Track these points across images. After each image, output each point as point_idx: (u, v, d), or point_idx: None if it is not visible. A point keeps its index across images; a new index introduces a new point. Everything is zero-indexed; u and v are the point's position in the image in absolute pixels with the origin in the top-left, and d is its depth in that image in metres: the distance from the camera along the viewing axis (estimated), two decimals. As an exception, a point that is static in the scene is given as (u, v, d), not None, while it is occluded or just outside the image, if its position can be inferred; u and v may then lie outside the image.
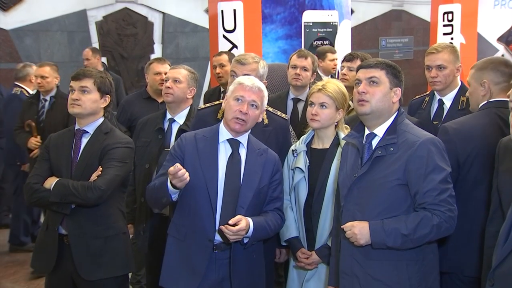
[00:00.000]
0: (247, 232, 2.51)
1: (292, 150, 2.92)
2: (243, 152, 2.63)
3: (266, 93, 2.68)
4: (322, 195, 2.77)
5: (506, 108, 2.58)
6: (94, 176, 2.75)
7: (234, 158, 2.60)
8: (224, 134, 2.63)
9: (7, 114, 5.32)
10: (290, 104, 3.93)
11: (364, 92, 2.34)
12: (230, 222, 2.45)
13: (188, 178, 2.42)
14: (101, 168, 2.77)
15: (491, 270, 2.01)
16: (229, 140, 2.62)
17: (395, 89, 2.37)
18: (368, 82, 2.36)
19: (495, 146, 2.51)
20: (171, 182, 2.45)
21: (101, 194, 2.71)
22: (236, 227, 2.45)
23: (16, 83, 5.43)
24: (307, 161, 2.82)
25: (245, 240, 2.55)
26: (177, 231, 2.64)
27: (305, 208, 2.81)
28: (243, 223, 2.47)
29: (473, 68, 2.83)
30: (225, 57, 4.49)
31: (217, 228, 2.55)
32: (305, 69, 3.89)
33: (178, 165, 2.41)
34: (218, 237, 2.57)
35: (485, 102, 2.73)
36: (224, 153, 2.61)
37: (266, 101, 2.70)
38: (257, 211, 2.64)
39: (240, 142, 2.63)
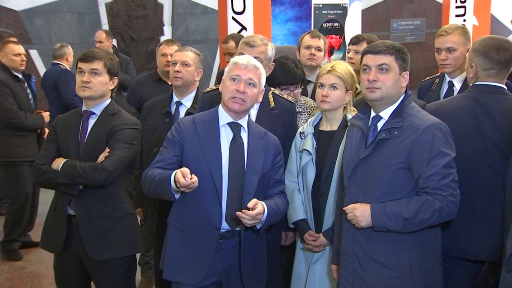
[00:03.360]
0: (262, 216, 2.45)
1: (300, 132, 2.91)
2: (244, 136, 2.57)
3: (263, 71, 2.61)
4: (330, 177, 2.76)
5: (488, 93, 2.60)
6: (101, 157, 2.76)
7: (236, 142, 2.53)
8: (224, 117, 2.56)
9: (65, 88, 5.63)
10: None
11: (375, 80, 2.31)
12: (249, 205, 2.37)
13: (197, 184, 2.31)
14: (108, 149, 2.77)
15: (507, 256, 1.98)
16: (229, 124, 2.55)
17: (403, 73, 2.35)
18: (378, 69, 2.32)
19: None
20: (175, 183, 2.35)
21: (109, 175, 2.71)
22: (255, 211, 2.36)
23: (55, 61, 5.81)
24: (315, 143, 2.82)
25: (259, 226, 2.50)
26: (179, 220, 2.57)
27: (313, 190, 2.80)
28: (260, 206, 2.40)
29: (472, 46, 2.78)
30: (232, 44, 4.44)
31: (223, 215, 2.49)
32: (319, 49, 3.91)
33: (188, 173, 2.29)
34: (224, 225, 2.51)
35: (471, 84, 2.70)
36: (225, 137, 2.54)
37: (264, 80, 2.61)
38: (262, 196, 2.58)
39: (241, 125, 2.57)
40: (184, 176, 2.27)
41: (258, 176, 2.52)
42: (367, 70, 2.35)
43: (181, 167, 2.47)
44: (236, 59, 2.60)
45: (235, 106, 2.50)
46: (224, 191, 2.49)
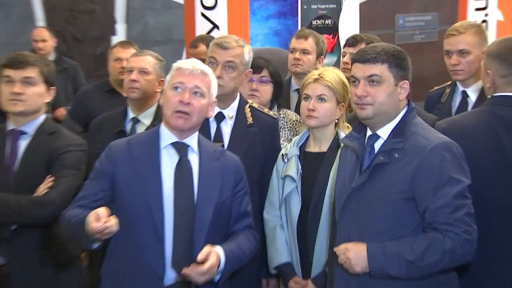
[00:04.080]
0: (218, 267, 2.40)
1: (282, 154, 2.97)
2: (194, 158, 2.55)
3: (213, 78, 2.60)
4: (319, 210, 2.82)
5: (510, 107, 2.62)
6: (43, 188, 2.75)
7: (183, 166, 2.51)
8: (166, 137, 2.54)
9: None
10: (293, 97, 4.03)
11: (364, 95, 2.36)
12: (199, 257, 2.33)
13: (116, 228, 2.24)
14: (51, 178, 2.77)
15: None
16: (173, 144, 2.53)
17: (401, 83, 2.39)
18: (368, 82, 2.36)
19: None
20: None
21: (55, 209, 2.68)
22: (207, 265, 2.33)
23: None
24: (300, 167, 2.88)
25: (216, 278, 2.46)
26: (112, 271, 2.52)
27: (298, 226, 2.86)
28: (213, 257, 2.36)
29: (486, 50, 2.83)
30: (202, 49, 4.49)
31: (167, 261, 2.44)
32: (305, 52, 4.03)
33: (102, 215, 2.21)
34: (170, 275, 2.45)
35: (489, 96, 2.74)
36: (169, 160, 2.52)
37: (215, 89, 2.61)
38: (221, 232, 2.57)
39: (189, 146, 2.55)
40: (98, 219, 2.20)
41: (212, 207, 2.50)
42: (356, 82, 2.40)
43: (109, 203, 2.45)
44: (179, 63, 2.59)
45: (178, 122, 2.48)
46: (168, 229, 2.45)
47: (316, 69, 3.92)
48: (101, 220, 2.19)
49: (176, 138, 2.54)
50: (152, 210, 2.44)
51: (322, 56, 4.20)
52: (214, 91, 2.61)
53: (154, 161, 2.50)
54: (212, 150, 2.63)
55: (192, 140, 2.57)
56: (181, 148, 2.54)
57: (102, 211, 2.23)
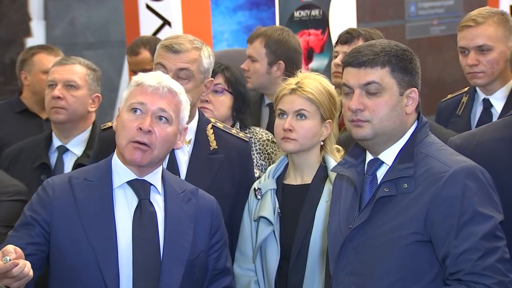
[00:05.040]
0: None
1: (255, 189, 3.03)
2: (158, 201, 2.59)
3: (184, 98, 2.64)
4: (303, 260, 2.88)
5: None
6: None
7: (144, 211, 2.54)
8: (121, 173, 2.58)
9: None
10: (265, 113, 4.12)
11: (360, 110, 2.38)
12: None
13: (31, 274, 2.20)
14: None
15: None
16: (131, 183, 2.57)
17: (408, 92, 2.41)
18: (364, 92, 2.38)
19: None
20: None
21: None
22: None
23: None
24: (278, 206, 2.93)
25: None
26: None
27: (277, 282, 2.91)
28: None
29: None
30: (145, 56, 4.59)
31: None
32: (252, 59, 4.11)
33: (9, 251, 2.16)
34: None
35: None
36: (125, 205, 2.55)
37: (186, 113, 2.66)
38: None
39: (151, 184, 2.59)
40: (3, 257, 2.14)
41: (183, 266, 2.54)
42: (348, 92, 2.42)
43: (43, 261, 2.47)
44: (140, 78, 2.62)
45: (135, 155, 2.51)
46: None
47: (288, 78, 3.93)
48: (8, 256, 2.14)
49: (134, 175, 2.58)
50: (103, 273, 2.47)
51: (281, 62, 4.14)
52: (185, 115, 2.65)
53: (105, 206, 2.54)
54: (181, 189, 2.66)
55: (155, 177, 2.62)
56: (141, 187, 2.58)
57: (10, 248, 2.18)
